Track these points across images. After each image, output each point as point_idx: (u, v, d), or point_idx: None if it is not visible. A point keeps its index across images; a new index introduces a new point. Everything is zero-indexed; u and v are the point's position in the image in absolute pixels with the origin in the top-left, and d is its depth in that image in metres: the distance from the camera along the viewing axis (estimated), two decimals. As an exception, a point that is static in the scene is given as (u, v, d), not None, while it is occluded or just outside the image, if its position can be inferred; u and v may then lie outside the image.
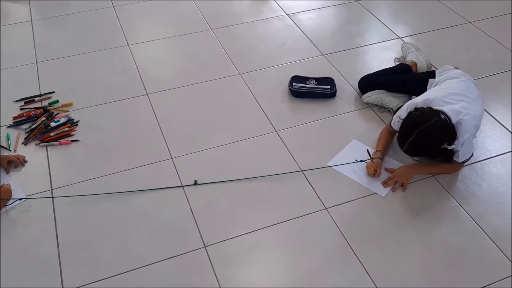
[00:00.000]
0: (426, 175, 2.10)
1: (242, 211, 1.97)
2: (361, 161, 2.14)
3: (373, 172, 2.06)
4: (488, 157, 2.19)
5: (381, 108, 2.44)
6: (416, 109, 1.93)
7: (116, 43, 2.91)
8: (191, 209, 1.98)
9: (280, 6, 3.23)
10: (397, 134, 1.99)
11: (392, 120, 2.14)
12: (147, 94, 2.55)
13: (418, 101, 2.00)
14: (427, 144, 1.86)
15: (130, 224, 1.93)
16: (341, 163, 2.15)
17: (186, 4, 3.26)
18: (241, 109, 2.46)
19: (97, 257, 1.81)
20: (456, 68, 2.26)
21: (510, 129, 2.32)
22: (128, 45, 2.90)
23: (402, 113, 2.05)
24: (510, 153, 2.20)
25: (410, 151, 1.92)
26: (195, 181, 2.07)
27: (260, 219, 1.94)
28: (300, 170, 2.14)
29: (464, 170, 2.12)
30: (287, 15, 3.15)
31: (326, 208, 1.97)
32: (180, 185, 2.07)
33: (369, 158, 2.11)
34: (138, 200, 2.01)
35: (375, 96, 2.42)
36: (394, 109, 2.38)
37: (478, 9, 3.17)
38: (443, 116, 1.87)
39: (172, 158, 2.19)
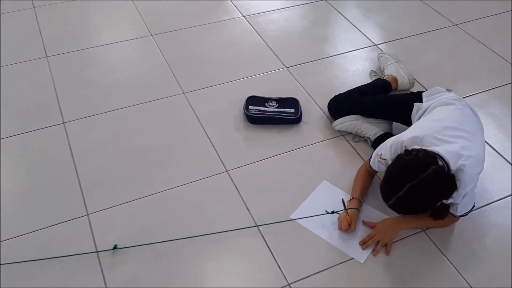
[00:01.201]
0: (415, 230, 1.66)
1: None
2: (333, 212, 1.68)
3: (346, 227, 1.61)
4: (490, 201, 1.76)
5: (356, 137, 1.98)
6: (407, 151, 1.47)
7: (31, 55, 2.35)
8: (107, 289, 1.48)
9: (235, 7, 2.72)
10: (380, 182, 1.53)
11: (371, 158, 1.68)
12: (63, 122, 2.01)
13: (404, 138, 1.55)
14: (421, 201, 1.42)
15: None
16: (307, 214, 1.68)
17: (122, 5, 2.71)
18: (184, 142, 1.96)
19: None
20: (449, 90, 1.81)
21: (512, 162, 1.90)
22: (46, 56, 2.34)
23: (385, 152, 1.59)
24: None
25: (397, 208, 1.46)
26: (115, 245, 1.57)
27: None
28: (255, 225, 1.66)
29: (461, 221, 1.68)
30: (244, 17, 2.65)
31: (289, 284, 1.50)
32: (95, 250, 1.56)
33: (343, 209, 1.65)
34: (37, 274, 1.49)
35: (348, 123, 1.95)
36: (372, 138, 1.93)
37: (465, 9, 2.74)
38: (440, 163, 1.42)
39: (87, 214, 1.67)
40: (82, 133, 1.96)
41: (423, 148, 1.46)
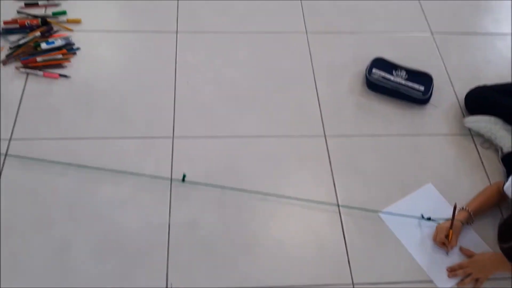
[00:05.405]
0: (516, 274, 1.39)
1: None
2: (429, 219, 1.44)
3: (442, 240, 1.37)
4: None
5: (486, 141, 1.66)
6: None
7: None
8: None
9: None
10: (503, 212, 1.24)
11: (506, 181, 1.39)
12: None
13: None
14: None
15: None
16: (398, 212, 1.47)
17: None
18: (288, 86, 1.77)
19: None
20: None
21: None
22: None
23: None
24: None
25: None
26: (184, 175, 1.50)
27: None
28: (336, 204, 1.49)
29: None
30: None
31: (353, 284, 1.35)
32: (170, 175, 1.51)
33: (447, 218, 1.40)
34: (109, 184, 1.48)
35: (483, 124, 1.63)
36: (505, 151, 1.60)
37: None
38: None
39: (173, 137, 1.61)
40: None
41: None
